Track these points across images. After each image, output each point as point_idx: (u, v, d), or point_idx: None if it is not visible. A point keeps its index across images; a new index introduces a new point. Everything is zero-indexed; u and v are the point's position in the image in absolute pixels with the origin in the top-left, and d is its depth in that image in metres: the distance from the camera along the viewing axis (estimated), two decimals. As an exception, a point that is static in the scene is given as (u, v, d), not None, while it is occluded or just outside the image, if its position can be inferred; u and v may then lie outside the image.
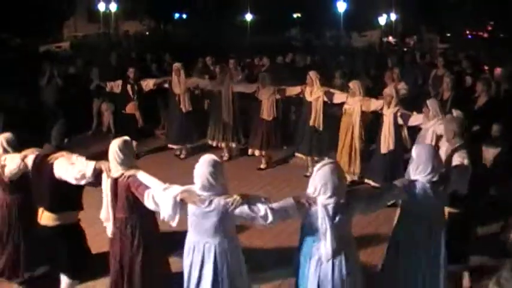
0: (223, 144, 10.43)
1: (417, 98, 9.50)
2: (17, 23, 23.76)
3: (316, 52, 18.78)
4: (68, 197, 5.01)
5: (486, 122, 7.90)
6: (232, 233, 4.38)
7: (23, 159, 5.18)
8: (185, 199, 4.25)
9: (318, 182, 4.17)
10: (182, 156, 10.66)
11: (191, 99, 10.48)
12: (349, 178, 8.47)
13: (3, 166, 5.32)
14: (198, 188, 4.24)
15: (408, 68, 12.72)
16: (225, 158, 10.31)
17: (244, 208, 4.14)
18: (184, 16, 46.00)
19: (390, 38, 42.24)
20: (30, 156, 5.17)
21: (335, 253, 4.18)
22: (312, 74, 9.43)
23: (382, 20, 41.71)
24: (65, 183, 4.85)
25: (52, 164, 4.89)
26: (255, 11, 42.00)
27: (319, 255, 4.23)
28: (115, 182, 4.76)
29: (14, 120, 11.58)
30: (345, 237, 4.30)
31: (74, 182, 4.79)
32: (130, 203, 4.73)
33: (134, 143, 9.91)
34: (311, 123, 9.37)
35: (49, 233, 5.03)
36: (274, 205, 4.17)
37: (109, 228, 4.93)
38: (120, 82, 10.29)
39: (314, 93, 9.31)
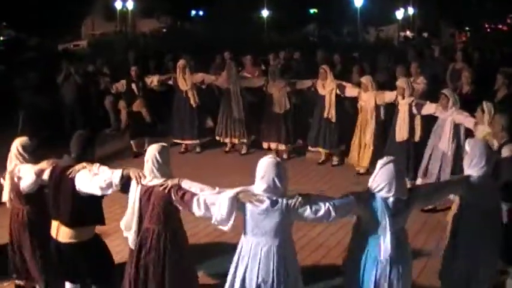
0: (234, 140, 10.51)
1: (436, 92, 9.40)
2: (35, 22, 24.00)
3: (334, 48, 18.70)
4: (89, 211, 4.77)
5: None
6: (290, 235, 4.31)
7: (37, 174, 4.92)
8: (243, 199, 4.13)
9: (382, 180, 4.17)
10: (198, 150, 10.77)
11: (199, 95, 10.50)
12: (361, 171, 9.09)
13: (19, 178, 5.08)
14: (260, 189, 4.09)
15: (427, 62, 12.60)
16: (243, 152, 10.56)
17: (307, 208, 4.07)
18: (201, 13, 46.09)
19: (408, 33, 41.91)
20: (46, 170, 4.91)
21: (393, 251, 4.15)
22: (325, 67, 9.58)
23: (399, 14, 41.34)
24: (87, 197, 4.64)
25: (73, 178, 4.63)
26: (272, 8, 41.90)
27: (376, 254, 4.21)
28: (148, 190, 4.49)
29: (34, 119, 11.75)
30: (402, 235, 4.33)
31: (99, 192, 4.56)
32: (166, 213, 4.47)
33: (134, 141, 10.23)
34: (324, 115, 9.52)
35: (67, 249, 4.78)
36: (336, 202, 4.13)
37: (131, 238, 4.68)
38: (124, 81, 10.33)
39: (327, 85, 9.44)
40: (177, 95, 10.61)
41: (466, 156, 4.75)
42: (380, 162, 4.26)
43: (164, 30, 39.69)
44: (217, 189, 4.25)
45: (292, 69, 11.99)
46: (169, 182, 4.40)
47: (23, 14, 23.11)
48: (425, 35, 39.10)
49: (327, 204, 4.09)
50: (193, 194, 4.28)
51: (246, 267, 4.23)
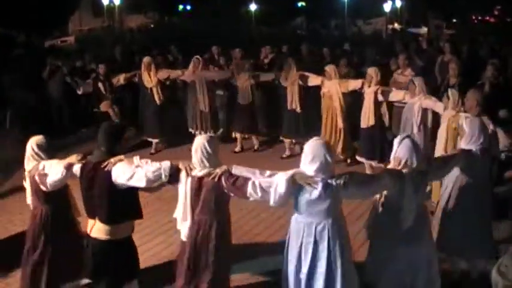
0: (202, 133, 10.55)
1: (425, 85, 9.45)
2: (22, 18, 23.80)
3: (322, 41, 18.73)
4: (126, 206, 4.68)
5: (493, 106, 7.86)
6: (341, 213, 4.47)
7: (67, 168, 4.67)
8: (299, 181, 4.19)
9: (403, 155, 4.47)
10: (156, 150, 10.73)
11: (164, 91, 10.54)
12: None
13: (45, 175, 4.79)
14: (312, 170, 4.19)
15: (415, 54, 12.64)
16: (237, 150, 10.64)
17: (354, 186, 4.26)
18: (188, 8, 45.92)
19: (396, 25, 41.99)
20: (76, 164, 4.71)
21: (415, 223, 4.47)
22: (291, 60, 9.97)
23: (387, 6, 41.40)
24: (124, 191, 4.56)
25: (109, 171, 4.51)
26: (260, 1, 41.83)
27: (401, 227, 4.46)
28: (198, 181, 4.46)
29: (21, 116, 11.71)
30: (422, 208, 4.67)
31: (144, 184, 4.46)
32: (217, 203, 4.48)
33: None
34: (289, 107, 9.80)
35: (101, 246, 4.69)
36: (376, 177, 4.43)
37: (184, 230, 4.62)
38: (90, 81, 10.18)
39: (290, 77, 9.74)
40: (142, 92, 10.58)
41: (466, 134, 5.23)
42: (396, 140, 4.59)
43: (152, 25, 39.48)
44: (268, 172, 4.31)
45: (280, 62, 12.00)
46: (218, 170, 4.39)
47: (8, 11, 22.91)
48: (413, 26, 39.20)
49: (371, 181, 4.39)
50: (246, 179, 4.28)
51: (300, 248, 4.34)
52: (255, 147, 10.65)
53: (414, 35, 26.41)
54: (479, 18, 49.60)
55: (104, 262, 4.72)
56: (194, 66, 10.36)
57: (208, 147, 4.44)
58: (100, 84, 10.22)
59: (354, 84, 9.01)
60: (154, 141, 10.68)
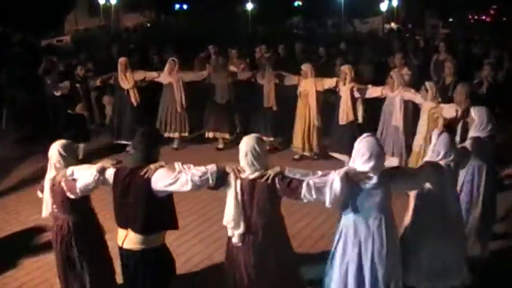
0: (175, 135, 10.66)
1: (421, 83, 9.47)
2: (18, 17, 23.75)
3: (318, 40, 18.73)
4: (163, 215, 4.43)
5: (490, 105, 7.89)
6: (391, 208, 4.49)
7: (100, 172, 4.39)
8: (355, 178, 4.22)
9: (442, 148, 4.73)
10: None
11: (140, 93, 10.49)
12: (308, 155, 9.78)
13: (74, 180, 4.50)
14: (367, 167, 4.24)
15: (411, 53, 12.66)
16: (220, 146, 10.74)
17: (403, 178, 4.48)
18: (185, 7, 45.86)
19: (392, 24, 42.00)
20: (109, 170, 4.43)
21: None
22: (264, 60, 10.50)
23: (383, 6, 41.40)
24: (162, 200, 4.32)
25: (148, 178, 4.23)
26: (256, 0, 41.79)
27: (444, 214, 4.75)
28: (249, 183, 4.29)
29: (17, 114, 11.69)
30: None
31: (188, 189, 4.21)
32: (271, 205, 4.34)
33: (82, 145, 9.80)
34: (265, 105, 10.11)
35: (135, 257, 4.43)
36: (420, 170, 4.69)
37: (238, 235, 4.39)
38: (68, 83, 9.91)
39: (266, 76, 10.08)
40: (118, 94, 10.52)
41: (475, 122, 5.56)
42: (435, 133, 4.86)
43: (148, 24, 39.42)
44: (319, 172, 4.27)
45: (276, 61, 12.02)
46: (271, 172, 4.27)
47: (4, 10, 22.86)
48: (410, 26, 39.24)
49: (416, 174, 4.66)
50: (300, 180, 4.19)
51: (360, 245, 4.38)
52: (219, 146, 10.75)
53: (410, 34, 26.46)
54: (476, 17, 49.69)
55: (140, 272, 4.49)
56: (170, 68, 10.40)
57: (258, 148, 4.29)
58: (78, 86, 10.09)
59: (329, 82, 9.31)
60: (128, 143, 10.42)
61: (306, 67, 9.58)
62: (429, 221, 4.75)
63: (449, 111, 7.32)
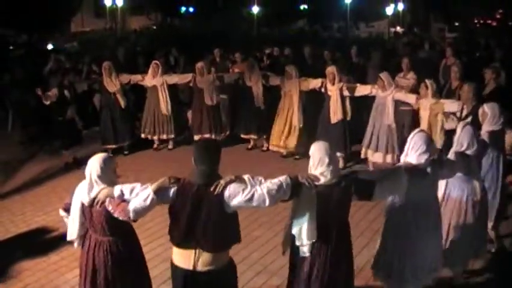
0: (162, 136, 10.76)
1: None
2: (23, 19, 23.80)
3: (324, 44, 18.73)
4: (231, 230, 4.13)
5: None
6: (437, 196, 5.04)
7: (157, 193, 3.97)
8: (414, 171, 4.50)
9: (465, 140, 5.10)
10: (126, 152, 10.60)
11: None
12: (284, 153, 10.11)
13: (123, 201, 4.06)
14: (424, 158, 4.56)
15: (417, 57, 12.63)
16: (170, 147, 10.88)
17: (446, 168, 4.84)
18: (191, 10, 45.95)
19: (398, 28, 41.99)
20: (168, 189, 4.02)
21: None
22: (251, 61, 10.79)
23: (389, 10, 41.38)
24: (231, 214, 4.03)
25: (220, 194, 3.92)
26: (262, 4, 41.84)
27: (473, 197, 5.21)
28: (327, 189, 4.17)
29: (23, 116, 11.71)
30: None
31: (267, 205, 3.91)
32: (347, 209, 4.33)
33: (71, 150, 9.73)
34: (256, 105, 10.36)
35: (209, 277, 4.06)
36: (456, 159, 4.99)
37: (308, 246, 4.25)
38: (55, 90, 9.80)
39: (253, 77, 10.33)
40: (104, 98, 10.48)
41: (488, 116, 5.90)
42: (459, 126, 5.30)
43: (154, 27, 39.54)
44: (380, 172, 4.66)
45: (281, 64, 12.05)
46: (346, 177, 4.27)
47: (11, 12, 22.91)
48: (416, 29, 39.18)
49: (455, 163, 4.95)
50: (372, 183, 4.26)
51: (409, 225, 4.67)
52: (170, 146, 10.89)
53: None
54: (481, 21, 49.61)
55: None
56: (154, 71, 10.48)
57: (331, 154, 4.23)
58: (66, 92, 10.01)
59: (314, 83, 9.53)
60: (112, 146, 10.39)
61: (290, 68, 9.84)
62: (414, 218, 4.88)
63: (452, 106, 7.79)
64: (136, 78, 10.63)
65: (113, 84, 10.24)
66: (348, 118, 9.29)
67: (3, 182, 9.12)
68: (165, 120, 10.61)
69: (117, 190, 4.09)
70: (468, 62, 12.23)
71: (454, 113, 7.74)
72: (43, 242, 6.81)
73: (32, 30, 24.61)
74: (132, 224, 4.32)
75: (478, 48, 16.82)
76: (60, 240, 6.68)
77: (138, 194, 4.00)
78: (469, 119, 7.08)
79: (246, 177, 4.02)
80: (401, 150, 8.06)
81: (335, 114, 9.21)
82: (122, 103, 10.30)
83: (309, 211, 4.15)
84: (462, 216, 5.23)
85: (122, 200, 4.07)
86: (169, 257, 4.22)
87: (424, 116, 8.10)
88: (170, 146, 10.89)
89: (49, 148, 10.49)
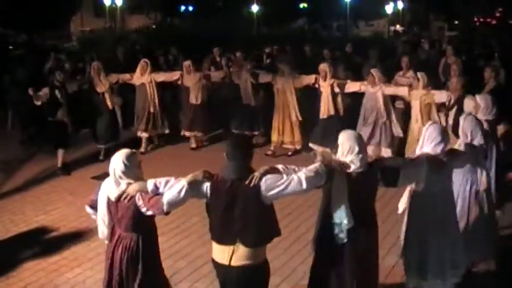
0: (152, 133, 10.89)
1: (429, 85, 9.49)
2: (22, 19, 23.81)
3: (323, 42, 18.71)
4: (270, 223, 4.10)
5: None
6: (452, 186, 5.11)
7: (191, 186, 3.94)
8: (434, 161, 4.66)
9: (468, 129, 5.24)
10: (101, 158, 10.08)
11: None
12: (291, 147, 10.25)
13: (157, 195, 4.02)
14: (439, 149, 4.71)
15: (417, 56, 12.64)
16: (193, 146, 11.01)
17: (459, 159, 5.00)
18: (190, 9, 45.91)
19: (398, 27, 41.98)
20: (203, 182, 4.00)
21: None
22: (239, 56, 11.37)
23: (389, 8, 41.38)
24: (269, 207, 4.01)
25: (257, 186, 3.89)
26: (262, 2, 41.81)
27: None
28: (359, 176, 4.25)
29: (22, 115, 11.71)
30: None
31: (304, 190, 3.94)
32: (373, 196, 4.46)
33: (61, 151, 9.50)
34: (244, 102, 10.59)
35: (246, 273, 4.04)
36: (467, 151, 5.12)
37: (347, 230, 4.25)
38: (47, 90, 9.52)
39: (242, 75, 10.56)
40: (94, 98, 10.39)
41: (481, 108, 6.17)
42: (461, 118, 5.43)
43: (153, 26, 39.47)
44: (403, 160, 4.98)
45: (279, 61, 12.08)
46: (374, 165, 4.37)
47: (10, 11, 22.91)
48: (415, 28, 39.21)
49: (467, 154, 5.08)
50: (397, 170, 4.41)
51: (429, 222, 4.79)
52: (192, 145, 11.00)
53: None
54: (481, 20, 49.61)
55: None
56: (142, 70, 10.55)
57: (361, 142, 4.35)
58: (57, 92, 9.71)
59: (308, 79, 9.81)
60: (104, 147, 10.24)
61: (282, 66, 10.11)
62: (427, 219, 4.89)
63: (441, 96, 8.41)
64: (124, 77, 10.70)
65: (101, 84, 10.22)
66: (341, 114, 9.56)
67: (3, 181, 9.13)
68: (157, 116, 10.72)
69: (150, 184, 4.04)
70: (467, 61, 12.24)
71: (443, 103, 8.40)
72: (43, 241, 6.81)
73: (32, 29, 24.59)
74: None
75: (477, 46, 16.82)
76: (61, 240, 6.73)
77: (173, 186, 3.97)
78: (455, 108, 7.72)
79: (280, 166, 4.05)
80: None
81: (326, 110, 9.54)
82: (109, 104, 10.28)
83: (344, 196, 4.21)
84: (466, 208, 5.36)
85: (155, 193, 4.03)
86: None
87: (415, 105, 8.63)
88: (157, 142, 11.11)
89: (49, 148, 10.48)
